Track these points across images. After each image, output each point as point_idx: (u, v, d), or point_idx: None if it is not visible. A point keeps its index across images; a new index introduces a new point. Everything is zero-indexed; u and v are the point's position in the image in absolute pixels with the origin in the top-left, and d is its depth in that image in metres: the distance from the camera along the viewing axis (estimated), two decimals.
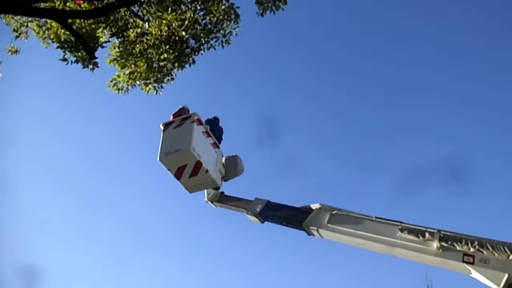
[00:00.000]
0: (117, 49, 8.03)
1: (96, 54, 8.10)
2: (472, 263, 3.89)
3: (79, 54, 8.04)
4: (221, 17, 7.84)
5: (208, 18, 7.87)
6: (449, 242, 4.01)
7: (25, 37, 8.38)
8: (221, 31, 8.17)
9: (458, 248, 3.98)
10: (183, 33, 7.90)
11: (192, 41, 8.10)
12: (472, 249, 3.92)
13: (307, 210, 5.26)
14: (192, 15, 7.79)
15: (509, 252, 3.84)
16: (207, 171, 5.75)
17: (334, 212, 4.98)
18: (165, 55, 7.91)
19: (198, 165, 5.64)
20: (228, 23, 8.08)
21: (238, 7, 7.90)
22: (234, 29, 8.26)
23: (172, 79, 8.33)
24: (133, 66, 8.13)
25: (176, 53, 8.00)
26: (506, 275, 3.81)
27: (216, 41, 8.22)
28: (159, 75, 8.22)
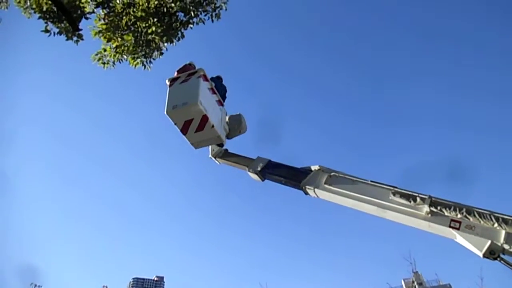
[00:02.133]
0: (102, 21, 7.74)
1: (81, 26, 7.83)
2: (458, 229, 4.01)
3: (62, 25, 7.73)
4: None
5: None
6: (439, 208, 4.13)
7: (5, 7, 7.98)
8: (211, 5, 7.98)
9: (446, 213, 4.10)
10: (172, 4, 7.67)
11: (181, 14, 7.88)
12: (459, 215, 4.05)
13: (306, 171, 5.35)
14: None
15: (494, 221, 3.98)
16: (212, 126, 5.80)
17: (332, 174, 5.08)
18: (153, 28, 7.68)
19: (204, 119, 5.70)
20: None
21: None
22: (224, 3, 8.07)
23: (161, 53, 8.13)
24: (119, 39, 7.87)
25: (164, 27, 7.78)
26: (489, 242, 3.96)
27: (205, 15, 8.03)
28: (147, 50, 7.99)
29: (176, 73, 6.23)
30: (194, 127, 5.75)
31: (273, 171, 5.74)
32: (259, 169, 5.82)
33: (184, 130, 5.81)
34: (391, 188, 4.48)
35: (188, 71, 6.07)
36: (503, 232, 3.94)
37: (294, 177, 5.40)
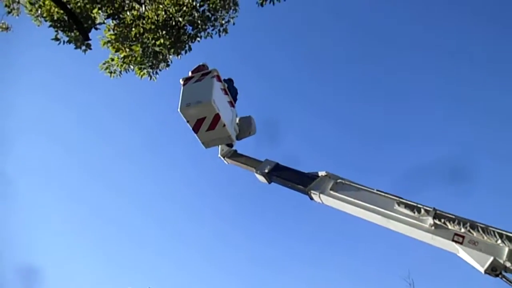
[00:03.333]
0: (112, 31, 7.92)
1: (90, 35, 8.00)
2: (461, 243, 4.01)
3: (72, 34, 7.89)
4: (219, 4, 7.87)
5: (206, 4, 7.87)
6: (442, 221, 4.14)
7: (16, 14, 8.16)
8: (219, 20, 8.20)
9: (450, 227, 4.11)
10: (180, 18, 7.88)
11: (189, 28, 8.08)
12: (463, 230, 4.05)
13: (313, 176, 5.35)
14: (190, 1, 7.78)
15: (498, 237, 3.98)
16: (224, 125, 5.87)
17: (338, 180, 5.08)
18: (161, 41, 7.86)
19: (216, 118, 5.77)
20: (226, 11, 8.12)
21: None
22: (232, 18, 8.31)
23: (168, 65, 8.28)
24: (127, 50, 8.03)
25: (172, 39, 7.97)
26: (492, 258, 3.95)
27: (213, 29, 8.24)
28: (154, 61, 8.15)
29: (190, 73, 6.37)
30: (206, 125, 5.83)
31: (280, 174, 5.74)
32: (266, 171, 5.82)
33: (196, 128, 5.89)
34: (396, 198, 4.50)
35: (202, 71, 6.20)
36: (506, 249, 3.93)
37: (301, 181, 5.40)
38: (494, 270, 3.97)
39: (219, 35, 8.22)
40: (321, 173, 5.29)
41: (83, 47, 8.01)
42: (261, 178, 5.99)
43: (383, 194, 4.63)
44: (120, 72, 8.24)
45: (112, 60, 8.11)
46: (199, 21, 7.91)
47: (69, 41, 7.90)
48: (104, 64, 8.14)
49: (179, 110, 5.83)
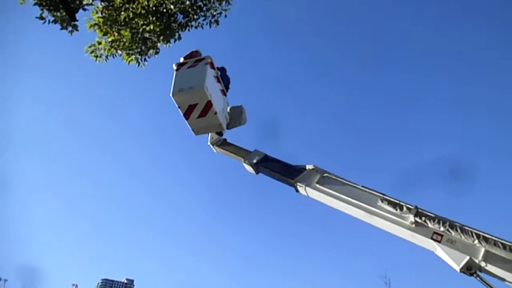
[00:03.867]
0: (99, 14, 7.70)
1: (77, 16, 7.76)
2: (439, 241, 4.15)
3: (58, 14, 7.61)
4: None
5: None
6: (423, 219, 4.26)
7: None
8: (211, 10, 8.09)
9: (430, 225, 4.24)
10: (172, 6, 7.72)
11: (180, 16, 7.94)
12: (442, 229, 4.18)
13: (301, 169, 5.44)
14: None
15: (475, 238, 4.12)
16: (215, 113, 5.84)
17: (325, 174, 5.17)
18: (151, 27, 7.69)
19: (208, 105, 5.73)
20: (219, 3, 8.02)
21: None
22: (225, 10, 8.21)
23: (157, 52, 8.12)
24: (116, 34, 7.82)
25: (162, 26, 7.81)
26: (468, 257, 4.09)
27: (204, 20, 8.12)
28: (143, 47, 7.97)
29: (182, 59, 6.28)
30: (197, 112, 5.78)
31: (268, 165, 5.79)
32: (254, 161, 5.85)
33: (187, 114, 5.83)
34: (380, 195, 4.60)
35: (195, 58, 6.16)
36: (482, 250, 4.06)
37: (288, 173, 5.47)
38: (469, 269, 4.09)
39: (210, 26, 8.12)
40: (309, 167, 5.37)
41: (69, 28, 7.75)
42: (249, 168, 6.01)
43: (367, 190, 4.72)
44: (107, 56, 8.01)
45: (99, 43, 7.88)
46: (190, 10, 7.79)
47: (54, 21, 7.60)
48: (90, 47, 7.89)
49: (171, 95, 5.76)
